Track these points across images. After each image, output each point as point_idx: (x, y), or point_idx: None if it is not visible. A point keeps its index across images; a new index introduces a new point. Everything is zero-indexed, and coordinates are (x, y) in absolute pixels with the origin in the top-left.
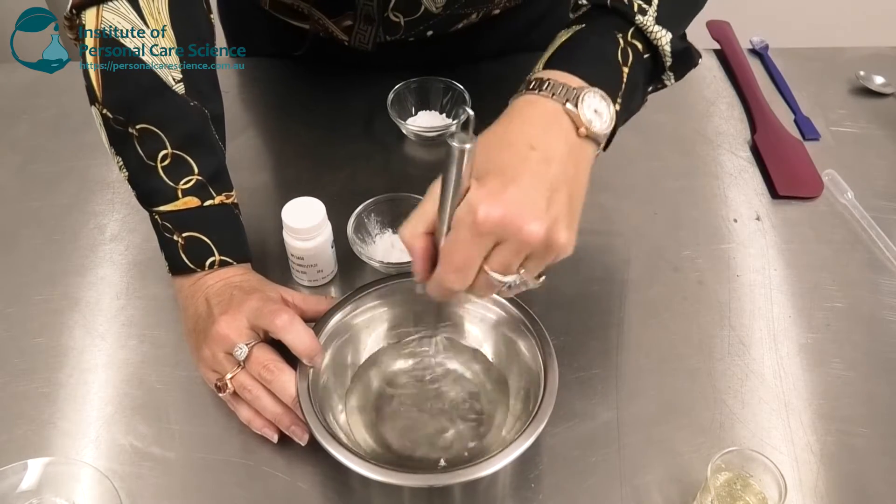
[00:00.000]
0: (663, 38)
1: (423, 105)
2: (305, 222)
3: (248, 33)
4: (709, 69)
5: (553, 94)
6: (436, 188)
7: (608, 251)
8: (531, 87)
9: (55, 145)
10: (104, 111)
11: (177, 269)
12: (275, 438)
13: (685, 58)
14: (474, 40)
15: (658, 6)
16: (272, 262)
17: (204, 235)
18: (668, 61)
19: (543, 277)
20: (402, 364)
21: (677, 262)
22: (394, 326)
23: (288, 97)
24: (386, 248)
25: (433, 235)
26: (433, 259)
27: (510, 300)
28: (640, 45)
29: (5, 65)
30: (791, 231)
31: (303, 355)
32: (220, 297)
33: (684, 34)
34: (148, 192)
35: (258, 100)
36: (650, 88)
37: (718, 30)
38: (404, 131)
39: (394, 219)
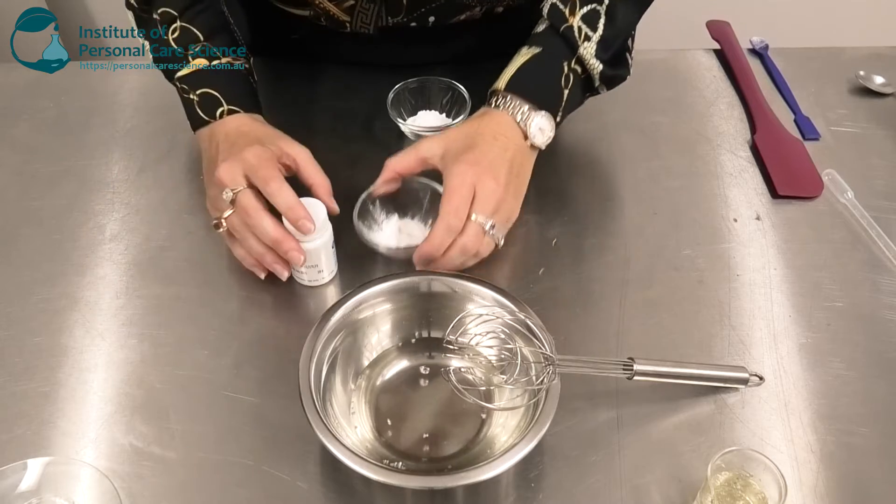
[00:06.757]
0: (596, 68)
1: (423, 105)
2: None
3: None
4: (709, 69)
5: (511, 112)
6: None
7: (608, 251)
8: (496, 103)
9: (55, 145)
10: (132, 1)
11: (196, 123)
12: (262, 275)
13: (614, 80)
14: (475, 39)
15: (598, 42)
16: None
17: (213, 90)
18: (597, 83)
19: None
20: (404, 362)
21: (677, 262)
22: (397, 324)
23: (287, 97)
24: (393, 233)
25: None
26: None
27: (513, 301)
28: (579, 70)
29: (5, 65)
30: (791, 231)
31: (288, 217)
32: (228, 142)
33: (616, 58)
34: (168, 62)
35: None
36: (587, 96)
37: (718, 30)
38: (404, 131)
39: (398, 206)
